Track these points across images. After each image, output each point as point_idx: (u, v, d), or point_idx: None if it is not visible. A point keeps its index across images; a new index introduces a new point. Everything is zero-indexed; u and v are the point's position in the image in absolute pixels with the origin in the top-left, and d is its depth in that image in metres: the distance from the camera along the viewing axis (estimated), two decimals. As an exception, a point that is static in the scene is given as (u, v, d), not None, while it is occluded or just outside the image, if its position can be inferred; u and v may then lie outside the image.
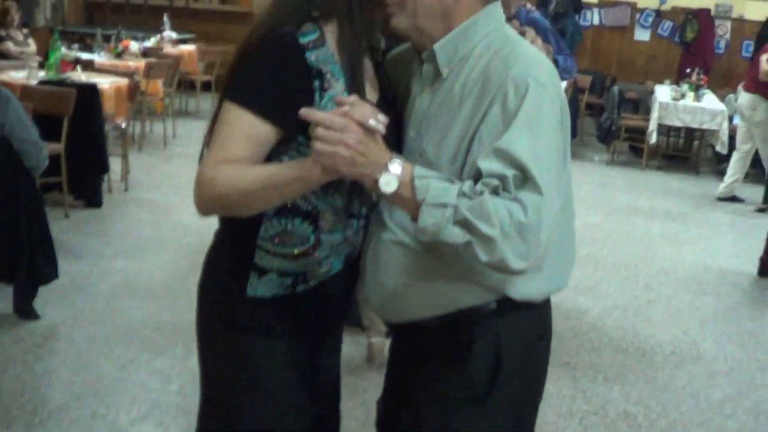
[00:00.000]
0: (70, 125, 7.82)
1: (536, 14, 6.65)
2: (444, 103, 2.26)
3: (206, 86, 14.24)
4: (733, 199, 11.29)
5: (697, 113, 12.48)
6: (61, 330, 5.60)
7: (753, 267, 8.13)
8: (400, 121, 2.38)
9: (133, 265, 6.85)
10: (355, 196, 2.30)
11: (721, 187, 11.42)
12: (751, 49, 15.73)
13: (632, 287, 7.43)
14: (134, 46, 12.49)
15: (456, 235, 2.01)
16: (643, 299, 7.15)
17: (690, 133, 13.86)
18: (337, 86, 2.23)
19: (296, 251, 2.30)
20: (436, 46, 2.27)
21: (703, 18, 16.04)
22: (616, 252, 8.45)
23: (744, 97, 11.01)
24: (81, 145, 8.07)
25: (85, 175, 8.29)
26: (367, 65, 2.38)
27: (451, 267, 2.21)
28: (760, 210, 10.67)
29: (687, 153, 14.19)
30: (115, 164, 8.98)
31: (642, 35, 16.66)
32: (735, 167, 11.30)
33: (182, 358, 5.28)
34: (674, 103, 12.52)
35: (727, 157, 12.36)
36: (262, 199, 2.16)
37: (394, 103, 2.43)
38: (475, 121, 2.16)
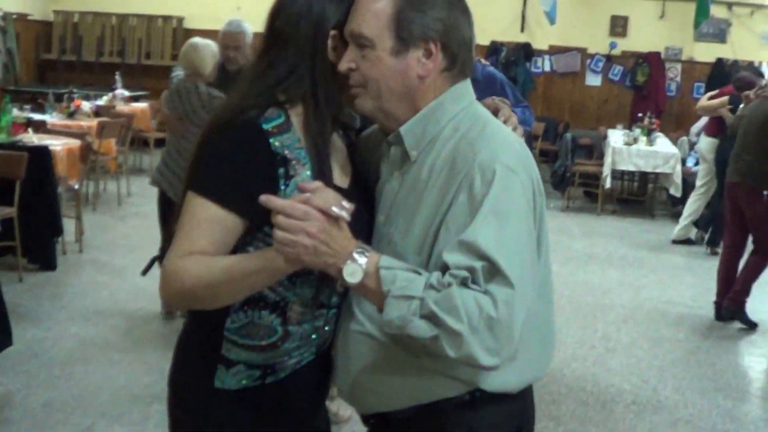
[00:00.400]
0: (23, 188, 7.76)
1: (491, 68, 6.72)
2: (412, 189, 2.20)
3: (160, 143, 14.15)
4: (688, 241, 11.37)
5: (650, 157, 12.59)
6: (16, 398, 5.51)
7: (710, 310, 8.18)
8: (374, 204, 2.32)
9: (88, 330, 6.76)
10: (325, 286, 2.24)
11: (676, 229, 11.50)
12: (702, 90, 15.96)
13: (591, 336, 7.43)
14: (86, 105, 12.44)
15: (422, 329, 1.95)
16: (602, 348, 7.16)
17: (644, 176, 13.97)
18: (304, 172, 2.18)
19: (263, 343, 2.24)
20: (402, 129, 2.21)
21: (653, 61, 16.24)
22: (574, 301, 8.44)
23: (704, 141, 11.10)
24: (34, 207, 8.01)
25: (39, 238, 8.21)
26: (339, 147, 2.35)
27: (421, 359, 2.14)
28: (714, 253, 10.70)
29: (642, 197, 14.30)
30: (69, 225, 8.90)
31: (593, 80, 16.84)
32: (690, 209, 11.38)
33: (139, 424, 5.22)
34: (627, 148, 12.63)
35: (681, 200, 12.46)
36: (228, 291, 2.10)
37: (368, 186, 2.37)
38: (442, 209, 2.10)
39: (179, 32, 17.30)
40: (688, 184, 12.50)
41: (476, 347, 1.92)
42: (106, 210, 11.17)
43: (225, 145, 2.15)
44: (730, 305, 8.09)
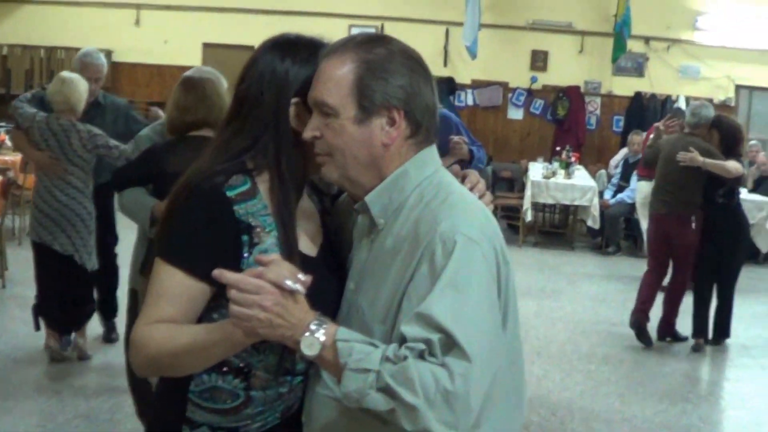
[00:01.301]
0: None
1: (445, 110, 6.89)
2: (378, 257, 2.19)
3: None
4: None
5: (568, 190, 12.81)
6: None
7: (623, 342, 8.34)
8: (345, 271, 2.32)
9: (10, 367, 6.71)
10: (288, 354, 2.22)
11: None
12: (621, 123, 16.26)
13: (504, 369, 7.47)
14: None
15: (378, 402, 1.93)
16: (515, 381, 7.20)
17: (565, 209, 14.19)
18: (268, 239, 2.20)
19: (226, 407, 2.26)
20: (368, 198, 2.19)
21: (573, 95, 16.52)
22: (490, 333, 8.46)
23: (640, 185, 11.34)
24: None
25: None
26: (311, 213, 2.38)
27: (389, 426, 2.02)
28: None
29: (563, 229, 14.50)
30: (-9, 261, 8.82)
31: (515, 114, 17.06)
32: None
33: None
34: (546, 181, 12.85)
35: (600, 232, 12.68)
36: (190, 362, 2.12)
37: (341, 253, 2.38)
38: (405, 279, 2.08)
39: (108, 65, 17.24)
40: (605, 216, 12.75)
41: (432, 421, 1.91)
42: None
43: (190, 211, 2.17)
44: (664, 331, 8.60)
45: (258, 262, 2.01)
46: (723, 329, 8.65)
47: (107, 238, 7.28)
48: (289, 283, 1.96)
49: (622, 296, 10.20)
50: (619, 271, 11.79)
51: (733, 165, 8.08)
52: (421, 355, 1.93)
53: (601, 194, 13.06)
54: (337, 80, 2.15)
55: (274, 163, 2.25)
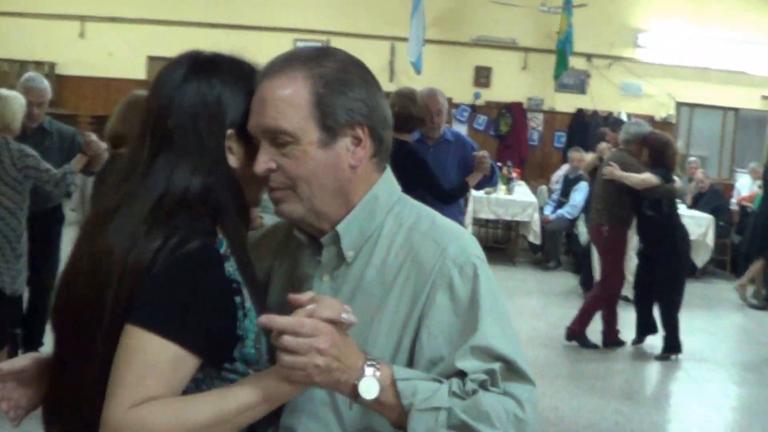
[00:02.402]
0: None
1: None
2: (356, 292, 2.00)
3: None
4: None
5: (509, 206, 12.89)
6: None
7: (557, 356, 8.42)
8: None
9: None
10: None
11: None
12: (563, 140, 16.41)
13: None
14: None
15: None
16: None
17: (507, 224, 14.27)
18: (247, 296, 1.95)
19: None
20: (340, 228, 1.99)
21: (516, 111, 16.64)
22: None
23: None
24: None
25: None
26: None
27: None
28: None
29: (504, 244, 14.58)
30: None
31: (459, 129, 16.94)
32: None
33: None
34: (486, 197, 12.89)
35: (540, 247, 12.78)
36: None
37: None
38: (415, 312, 1.94)
39: (52, 78, 17.09)
40: (546, 232, 12.86)
41: None
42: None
43: (182, 274, 1.85)
44: (573, 335, 8.90)
45: (294, 303, 1.77)
46: (666, 343, 8.81)
47: (44, 269, 6.93)
48: (345, 316, 1.77)
49: (562, 311, 10.29)
50: (560, 287, 11.89)
51: (644, 176, 8.32)
52: (484, 386, 1.83)
53: (541, 210, 13.17)
54: (290, 101, 1.92)
55: (229, 211, 1.98)
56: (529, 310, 10.56)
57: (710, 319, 11.30)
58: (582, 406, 7.25)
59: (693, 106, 17.44)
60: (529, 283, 11.90)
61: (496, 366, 1.84)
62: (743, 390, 8.27)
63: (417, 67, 15.11)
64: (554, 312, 10.42)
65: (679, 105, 17.26)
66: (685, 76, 16.89)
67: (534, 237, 12.88)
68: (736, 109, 17.30)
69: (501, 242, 14.77)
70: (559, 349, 8.73)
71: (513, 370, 1.86)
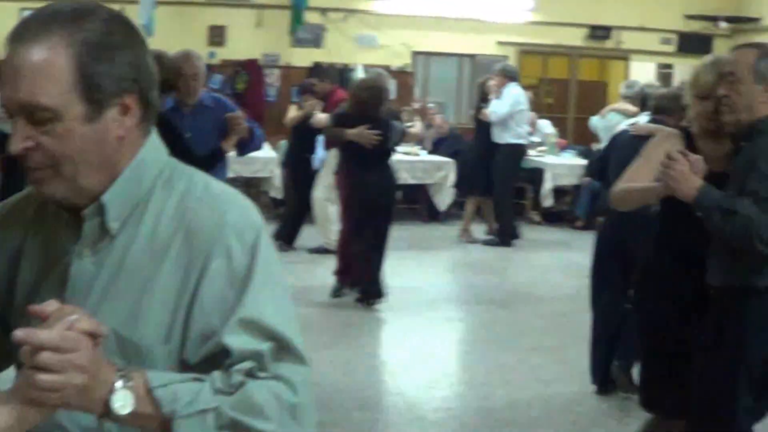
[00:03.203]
0: None
1: (214, 93, 6.71)
2: (122, 268, 1.80)
3: None
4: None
5: (249, 162, 12.53)
6: None
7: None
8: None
9: None
10: None
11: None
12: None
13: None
14: None
15: None
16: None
17: (248, 181, 14.03)
18: None
19: None
20: (105, 199, 1.79)
21: (252, 68, 16.47)
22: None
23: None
24: None
25: None
26: None
27: None
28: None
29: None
30: None
31: (197, 90, 16.76)
32: None
33: None
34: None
35: (282, 202, 12.65)
36: None
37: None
38: (190, 284, 1.76)
39: None
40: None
41: None
42: None
43: None
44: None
45: (37, 314, 1.58)
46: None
47: None
48: (103, 327, 1.59)
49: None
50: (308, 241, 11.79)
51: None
52: (251, 374, 1.69)
53: (283, 164, 13.02)
54: (49, 73, 1.69)
55: None
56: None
57: (447, 257, 11.91)
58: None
59: (429, 54, 17.69)
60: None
61: (265, 347, 1.71)
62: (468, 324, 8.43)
63: (149, 29, 14.69)
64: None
65: (416, 54, 17.46)
66: (421, 25, 17.06)
67: (276, 192, 12.74)
68: (472, 56, 17.61)
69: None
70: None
71: (285, 349, 1.74)
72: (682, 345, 4.27)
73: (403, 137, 8.56)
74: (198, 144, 5.99)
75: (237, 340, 1.71)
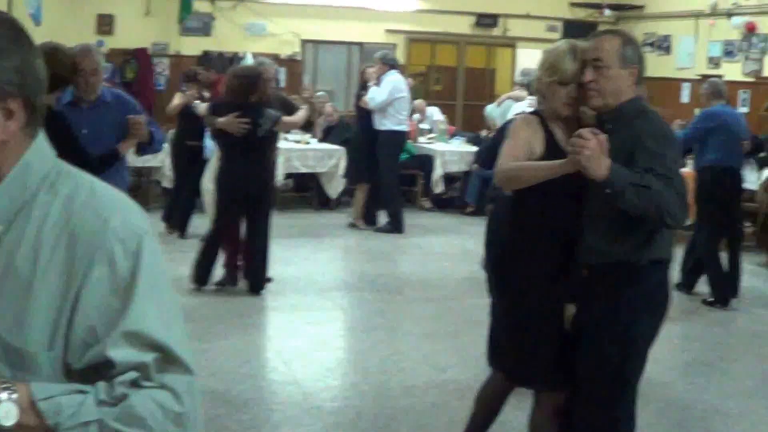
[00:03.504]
0: None
1: (118, 90, 6.47)
2: (8, 272, 1.77)
3: None
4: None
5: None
6: None
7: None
8: None
9: None
10: None
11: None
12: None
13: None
14: None
15: None
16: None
17: (139, 171, 13.86)
18: None
19: None
20: None
21: (141, 57, 16.30)
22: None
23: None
24: None
25: None
26: None
27: None
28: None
29: (136, 191, 14.13)
30: None
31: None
32: None
33: None
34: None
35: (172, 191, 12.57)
36: None
37: None
38: (72, 290, 1.74)
39: None
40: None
41: None
42: None
43: None
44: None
45: None
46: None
47: None
48: None
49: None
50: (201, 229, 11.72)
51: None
52: (135, 384, 1.69)
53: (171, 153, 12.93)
54: None
55: None
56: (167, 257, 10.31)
57: (339, 245, 12.03)
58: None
59: (318, 42, 17.74)
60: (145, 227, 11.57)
61: (149, 358, 1.71)
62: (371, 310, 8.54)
63: (36, 18, 14.43)
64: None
65: (305, 42, 17.50)
66: (310, 13, 17.15)
67: (167, 182, 12.68)
68: (361, 44, 17.68)
69: (132, 190, 14.35)
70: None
71: (170, 360, 1.73)
72: (549, 322, 4.44)
73: (276, 125, 8.47)
74: (96, 141, 5.87)
75: (121, 353, 1.72)
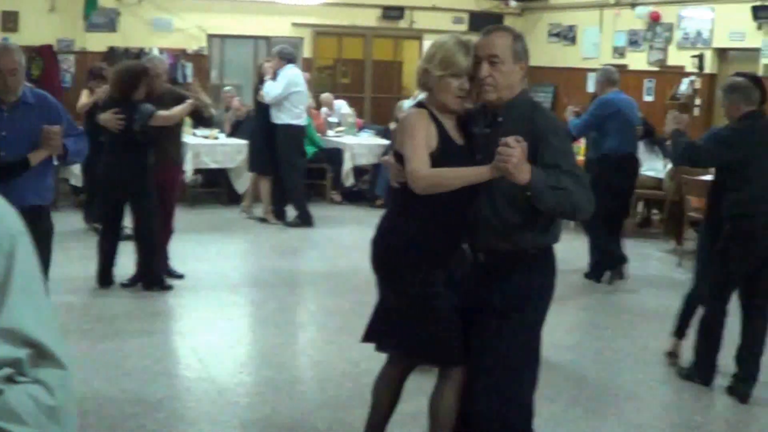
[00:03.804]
0: None
1: (43, 91, 6.31)
2: None
3: None
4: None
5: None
6: None
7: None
8: None
9: None
10: None
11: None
12: (69, 79, 16.20)
13: None
14: None
15: None
16: None
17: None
18: None
19: None
20: None
21: (46, 54, 16.10)
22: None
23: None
24: None
25: None
26: None
27: None
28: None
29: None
30: None
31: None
32: None
33: None
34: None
35: (83, 190, 12.49)
36: None
37: None
38: None
39: None
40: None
41: None
42: None
43: None
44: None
45: None
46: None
47: None
48: None
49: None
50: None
51: None
52: (11, 379, 1.71)
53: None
54: None
55: None
56: (78, 254, 10.26)
57: (249, 240, 11.93)
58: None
59: (225, 37, 17.77)
60: (72, 224, 11.56)
61: (23, 354, 1.74)
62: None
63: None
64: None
65: (211, 37, 17.50)
66: (216, 8, 17.17)
67: (76, 180, 12.62)
68: (267, 38, 17.69)
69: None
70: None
71: (44, 355, 1.77)
72: (445, 298, 4.67)
73: (149, 119, 8.43)
74: (15, 144, 5.77)
75: None
